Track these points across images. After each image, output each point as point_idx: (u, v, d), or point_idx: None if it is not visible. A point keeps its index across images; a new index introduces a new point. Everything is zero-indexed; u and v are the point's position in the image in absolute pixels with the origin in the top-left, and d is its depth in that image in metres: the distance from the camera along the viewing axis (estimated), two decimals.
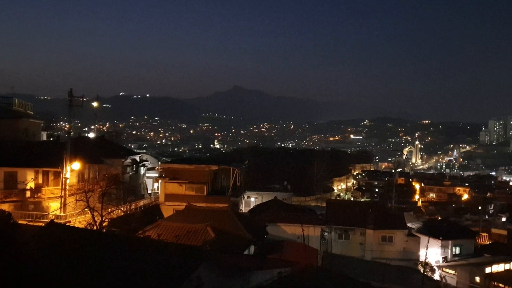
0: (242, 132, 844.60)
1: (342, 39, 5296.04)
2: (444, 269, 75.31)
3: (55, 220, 39.19)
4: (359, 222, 75.56)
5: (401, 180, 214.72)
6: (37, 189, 60.92)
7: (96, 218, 47.50)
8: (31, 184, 60.01)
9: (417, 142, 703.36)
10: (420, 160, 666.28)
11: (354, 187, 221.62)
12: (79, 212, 55.29)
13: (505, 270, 72.36)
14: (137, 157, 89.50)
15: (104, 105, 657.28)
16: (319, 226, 70.42)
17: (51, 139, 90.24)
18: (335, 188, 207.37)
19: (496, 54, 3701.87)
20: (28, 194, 59.81)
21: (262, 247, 55.66)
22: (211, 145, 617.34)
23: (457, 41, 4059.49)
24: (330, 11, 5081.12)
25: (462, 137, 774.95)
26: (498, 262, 72.62)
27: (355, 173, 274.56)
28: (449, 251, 78.78)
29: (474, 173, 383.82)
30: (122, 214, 55.91)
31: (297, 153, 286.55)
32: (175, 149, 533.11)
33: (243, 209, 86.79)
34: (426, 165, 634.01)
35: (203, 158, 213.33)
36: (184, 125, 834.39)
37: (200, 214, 56.03)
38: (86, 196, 49.51)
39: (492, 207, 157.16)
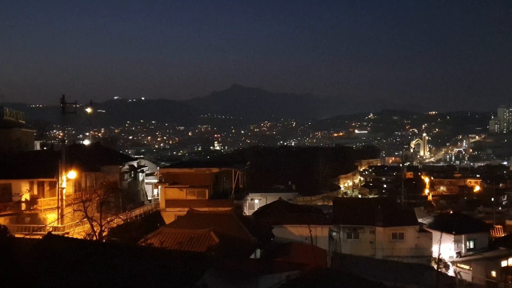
0: (242, 132, 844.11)
1: (342, 31, 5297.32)
2: (458, 264, 75.23)
3: (53, 232, 39.25)
4: (368, 220, 75.57)
5: (409, 175, 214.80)
6: (33, 200, 60.79)
7: (95, 228, 47.58)
8: (26, 196, 59.93)
9: (424, 134, 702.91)
10: (428, 153, 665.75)
11: (361, 184, 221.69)
12: (77, 222, 55.21)
13: None
14: (135, 163, 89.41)
15: (98, 110, 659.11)
16: (326, 226, 70.33)
17: (45, 148, 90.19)
18: (341, 185, 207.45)
19: (502, 40, 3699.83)
20: (23, 206, 59.71)
21: (269, 250, 55.69)
22: (211, 147, 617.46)
23: (462, 28, 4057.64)
24: (329, 4, 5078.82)
25: (470, 126, 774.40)
26: None
27: (361, 169, 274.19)
28: (463, 245, 78.64)
29: (485, 163, 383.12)
30: (122, 222, 55.89)
31: (301, 151, 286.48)
32: (174, 152, 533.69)
33: (247, 211, 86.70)
34: (435, 158, 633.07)
35: (203, 160, 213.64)
36: (182, 128, 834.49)
37: (202, 219, 56.00)
38: (84, 206, 49.52)
39: (505, 198, 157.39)
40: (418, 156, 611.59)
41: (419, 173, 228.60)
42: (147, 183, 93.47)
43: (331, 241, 72.01)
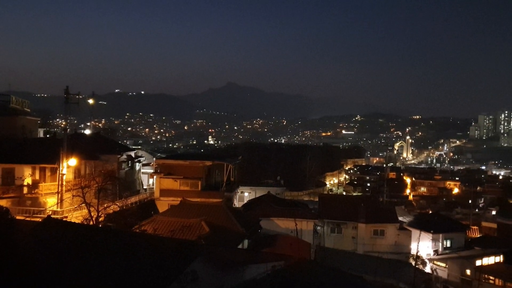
0: (235, 128, 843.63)
1: (334, 36, 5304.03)
2: (435, 262, 75.52)
3: (52, 216, 39.19)
4: (351, 216, 75.76)
5: (392, 175, 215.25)
6: (34, 185, 60.76)
7: (92, 214, 47.49)
8: (28, 180, 59.92)
9: (408, 137, 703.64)
10: (411, 155, 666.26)
11: (346, 182, 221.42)
12: (75, 207, 55.20)
13: (495, 263, 72.61)
14: (132, 153, 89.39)
15: (100, 102, 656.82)
16: (312, 220, 70.45)
17: (47, 136, 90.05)
18: (327, 183, 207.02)
19: (485, 50, 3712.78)
20: (25, 190, 59.66)
21: (256, 241, 55.74)
22: (205, 141, 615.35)
23: (447, 37, 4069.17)
24: (322, 8, 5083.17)
25: (452, 132, 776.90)
26: (488, 255, 72.81)
27: (347, 168, 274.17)
28: (440, 244, 78.96)
29: (464, 167, 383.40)
30: (118, 209, 55.80)
31: (290, 149, 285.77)
32: (170, 145, 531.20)
33: (237, 204, 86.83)
34: (417, 160, 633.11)
35: (197, 153, 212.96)
36: (178, 122, 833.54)
37: (194, 209, 56.07)
38: (82, 192, 49.48)
39: (482, 201, 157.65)
40: (401, 158, 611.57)
41: (401, 174, 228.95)
42: (143, 173, 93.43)
43: (315, 235, 72.10)
